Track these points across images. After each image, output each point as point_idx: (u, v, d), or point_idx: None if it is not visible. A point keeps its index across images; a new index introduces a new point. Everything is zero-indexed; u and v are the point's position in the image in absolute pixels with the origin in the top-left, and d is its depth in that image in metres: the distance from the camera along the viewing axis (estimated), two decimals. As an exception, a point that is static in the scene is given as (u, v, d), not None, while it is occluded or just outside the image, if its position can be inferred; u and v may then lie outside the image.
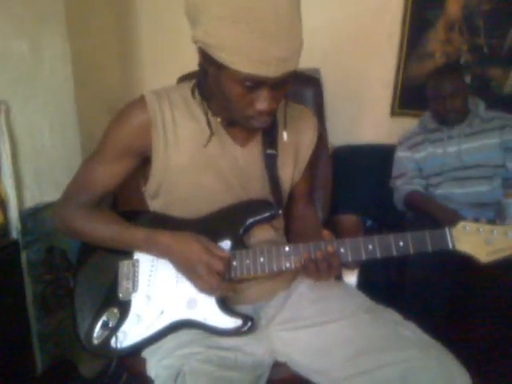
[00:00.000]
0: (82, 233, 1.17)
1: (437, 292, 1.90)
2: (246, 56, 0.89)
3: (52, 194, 1.79)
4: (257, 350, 1.12)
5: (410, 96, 2.70)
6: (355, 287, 1.35)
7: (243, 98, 0.98)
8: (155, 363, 1.10)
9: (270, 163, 1.18)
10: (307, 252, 1.08)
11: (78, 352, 1.90)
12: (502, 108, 2.33)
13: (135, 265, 1.20)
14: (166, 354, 1.09)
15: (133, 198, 1.33)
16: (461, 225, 1.06)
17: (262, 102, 0.98)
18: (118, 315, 1.16)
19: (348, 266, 1.25)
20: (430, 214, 2.06)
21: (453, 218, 2.04)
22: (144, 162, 1.18)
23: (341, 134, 2.67)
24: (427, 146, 2.27)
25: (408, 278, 1.94)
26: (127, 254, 1.20)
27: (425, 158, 2.27)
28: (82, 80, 2.08)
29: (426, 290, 1.90)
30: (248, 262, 1.12)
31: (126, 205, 1.50)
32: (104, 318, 1.16)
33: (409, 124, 2.60)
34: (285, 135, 1.14)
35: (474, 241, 1.04)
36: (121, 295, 1.18)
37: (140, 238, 1.12)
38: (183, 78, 1.73)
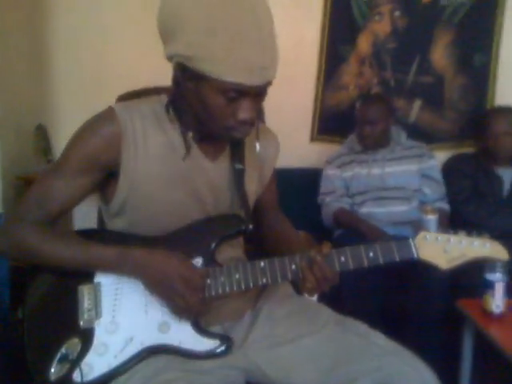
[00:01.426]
0: (37, 253, 1.07)
1: (370, 309, 2.01)
2: (231, 65, 0.92)
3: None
4: (233, 371, 1.09)
5: (328, 123, 2.88)
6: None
7: (225, 109, 0.98)
8: (127, 395, 1.02)
9: (238, 178, 1.19)
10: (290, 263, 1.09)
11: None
12: (408, 136, 2.58)
13: (97, 289, 1.11)
14: (139, 384, 1.02)
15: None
16: (421, 234, 1.13)
17: (245, 112, 0.99)
18: (80, 345, 1.06)
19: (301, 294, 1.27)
20: (357, 231, 2.20)
21: (378, 235, 2.19)
22: (105, 181, 1.13)
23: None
24: (354, 166, 2.44)
25: (344, 295, 2.02)
26: (86, 277, 1.11)
27: (351, 178, 2.43)
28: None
29: (360, 305, 2.00)
30: (223, 279, 1.10)
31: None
32: (62, 350, 1.06)
33: (327, 149, 2.79)
34: (257, 146, 1.15)
35: (433, 249, 1.12)
36: (82, 323, 1.08)
37: (110, 255, 1.06)
38: (123, 98, 1.68)
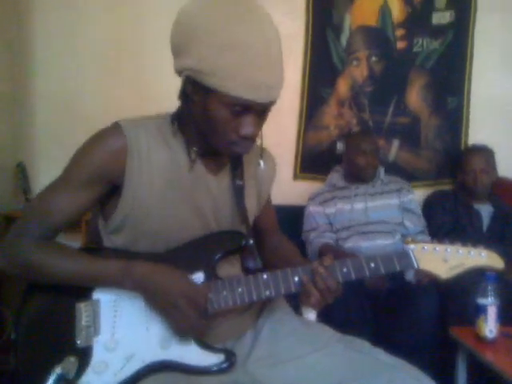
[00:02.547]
0: (39, 268, 1.04)
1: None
2: (239, 81, 0.96)
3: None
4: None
5: (310, 162, 2.94)
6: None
7: (229, 123, 1.01)
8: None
9: (239, 194, 1.20)
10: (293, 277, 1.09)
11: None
12: (389, 174, 2.66)
13: (95, 305, 1.07)
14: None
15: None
16: (419, 245, 1.16)
17: (248, 128, 1.02)
18: (77, 364, 1.02)
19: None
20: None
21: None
22: (107, 195, 1.12)
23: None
24: (336, 202, 2.48)
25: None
26: (84, 294, 1.08)
27: (334, 214, 2.46)
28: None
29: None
30: (225, 293, 1.08)
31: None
32: (58, 370, 1.01)
33: (309, 186, 2.83)
34: (262, 163, 1.17)
35: (433, 260, 1.15)
36: (79, 342, 1.04)
37: (113, 269, 1.04)
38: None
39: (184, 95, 1.06)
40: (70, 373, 1.01)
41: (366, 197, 2.47)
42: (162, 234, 1.11)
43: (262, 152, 1.19)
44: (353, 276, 1.11)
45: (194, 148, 1.13)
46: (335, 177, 2.62)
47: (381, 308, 2.14)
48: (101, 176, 1.07)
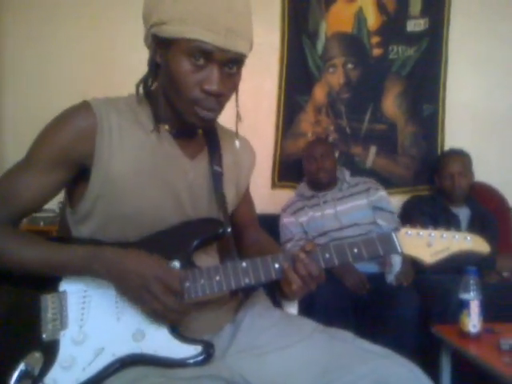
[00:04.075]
0: (1, 255, 0.98)
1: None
2: (196, 22, 0.93)
3: None
4: (216, 381, 0.99)
5: (288, 170, 2.92)
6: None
7: (191, 76, 0.96)
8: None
9: (217, 180, 1.15)
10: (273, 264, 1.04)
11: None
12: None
13: (62, 297, 1.01)
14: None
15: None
16: (403, 230, 1.12)
17: (211, 82, 0.97)
18: (42, 360, 0.94)
19: (288, 297, 1.21)
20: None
21: (347, 271, 2.17)
22: (74, 181, 1.06)
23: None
24: (307, 210, 2.48)
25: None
26: (50, 285, 1.02)
27: (307, 222, 2.46)
28: None
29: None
30: (203, 281, 1.02)
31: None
32: (22, 366, 0.93)
33: (287, 195, 2.80)
34: (237, 143, 1.13)
35: (416, 244, 1.11)
36: (44, 335, 0.97)
37: (81, 254, 0.97)
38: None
39: (152, 67, 1.03)
40: (35, 369, 0.93)
41: (335, 202, 2.47)
42: (133, 220, 1.05)
43: (237, 132, 1.15)
44: (335, 262, 1.06)
45: (166, 126, 1.09)
46: (303, 186, 2.63)
47: (362, 310, 2.11)
48: (68, 157, 1.01)
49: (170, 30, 0.94)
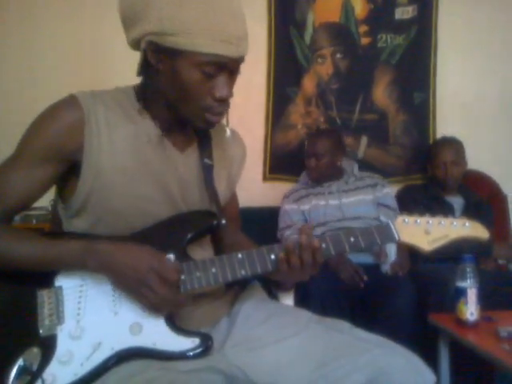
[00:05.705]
0: None
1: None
2: (208, 36, 0.91)
3: None
4: (215, 374, 0.98)
5: (279, 162, 2.90)
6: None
7: (202, 86, 0.96)
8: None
9: (208, 173, 1.14)
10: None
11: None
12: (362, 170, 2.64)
13: (58, 293, 0.99)
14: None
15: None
16: (400, 218, 1.12)
17: (223, 89, 0.97)
18: (40, 355, 0.93)
19: (283, 287, 1.20)
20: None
21: (341, 262, 2.16)
22: (65, 176, 1.04)
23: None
24: (311, 198, 2.46)
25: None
26: (46, 281, 1.00)
27: (309, 210, 2.43)
28: None
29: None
30: (199, 274, 1.01)
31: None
32: (20, 362, 0.93)
33: (279, 187, 2.78)
34: (228, 131, 1.12)
35: (414, 232, 1.10)
36: (41, 331, 0.96)
37: (75, 249, 0.96)
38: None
39: (145, 68, 1.01)
40: (34, 364, 0.93)
41: (340, 193, 2.45)
42: (125, 214, 1.05)
43: (228, 120, 1.15)
44: (332, 252, 1.05)
45: (156, 121, 1.08)
46: (306, 175, 2.60)
47: (357, 301, 2.10)
48: (57, 152, 1.00)
49: (178, 42, 0.92)
